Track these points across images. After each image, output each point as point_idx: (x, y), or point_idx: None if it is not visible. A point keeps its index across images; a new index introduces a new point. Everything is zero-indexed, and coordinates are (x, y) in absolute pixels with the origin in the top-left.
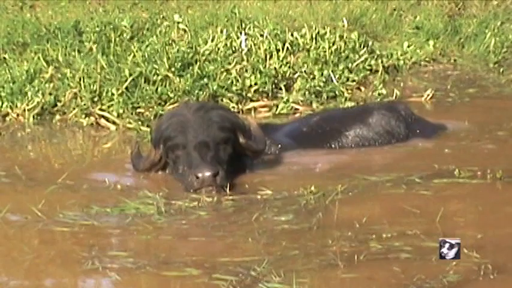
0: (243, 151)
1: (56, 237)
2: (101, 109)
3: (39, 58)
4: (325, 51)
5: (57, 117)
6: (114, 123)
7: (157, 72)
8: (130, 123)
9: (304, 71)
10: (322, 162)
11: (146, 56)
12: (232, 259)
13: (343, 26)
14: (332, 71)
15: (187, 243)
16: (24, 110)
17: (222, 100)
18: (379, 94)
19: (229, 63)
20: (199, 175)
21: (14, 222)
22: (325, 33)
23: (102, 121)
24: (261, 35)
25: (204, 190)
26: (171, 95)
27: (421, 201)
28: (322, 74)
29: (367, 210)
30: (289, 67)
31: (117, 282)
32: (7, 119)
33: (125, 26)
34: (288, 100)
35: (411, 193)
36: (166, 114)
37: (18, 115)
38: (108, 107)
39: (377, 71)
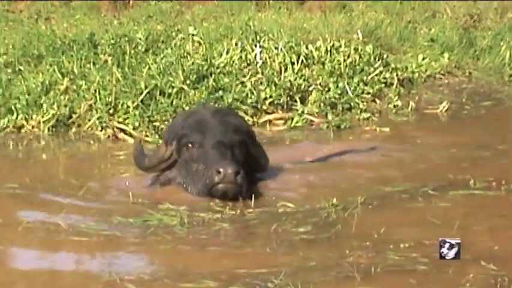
0: (251, 161)
1: (75, 248)
2: (118, 122)
3: (54, 70)
4: (340, 64)
5: (73, 129)
6: (131, 135)
7: (173, 84)
8: (147, 136)
9: (320, 84)
10: (335, 174)
11: (161, 69)
12: (250, 271)
13: (358, 38)
14: (347, 83)
15: (205, 254)
16: (39, 122)
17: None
18: (394, 106)
19: (244, 76)
20: (222, 170)
21: (35, 232)
22: (340, 46)
23: (121, 134)
24: (276, 48)
25: (221, 189)
26: (186, 108)
27: (438, 212)
28: (337, 86)
29: (386, 221)
30: (304, 80)
31: None
32: (22, 130)
33: (140, 39)
34: (303, 112)
35: (428, 204)
36: (182, 113)
37: (33, 127)
38: (124, 119)
39: (392, 83)
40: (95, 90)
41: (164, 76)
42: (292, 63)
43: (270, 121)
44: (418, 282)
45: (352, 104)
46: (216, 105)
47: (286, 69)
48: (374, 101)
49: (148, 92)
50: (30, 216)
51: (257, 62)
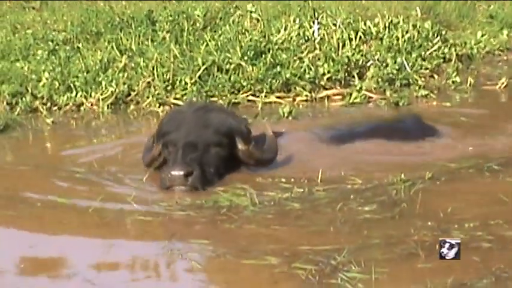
0: (244, 158)
1: (146, 227)
2: (175, 98)
3: (112, 47)
4: (398, 40)
5: (132, 106)
6: None
7: (230, 60)
8: None
9: (377, 59)
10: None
11: (219, 45)
12: (313, 248)
13: (417, 15)
14: (405, 59)
15: (270, 233)
16: (99, 99)
17: (295, 88)
18: (453, 82)
19: (302, 52)
20: (171, 173)
21: (108, 212)
22: (398, 22)
23: None
24: (334, 24)
25: (176, 189)
26: (244, 84)
27: (506, 187)
28: (395, 62)
29: (452, 198)
30: (362, 55)
31: (196, 269)
32: (81, 108)
33: (198, 16)
34: (361, 88)
35: (495, 180)
36: (171, 110)
37: (92, 104)
38: (182, 95)
39: (450, 59)
40: (153, 67)
41: (222, 52)
42: (350, 39)
43: (328, 97)
44: (482, 259)
45: (410, 80)
46: (274, 82)
47: (344, 45)
48: (432, 76)
49: (206, 68)
50: (100, 196)
51: (315, 39)
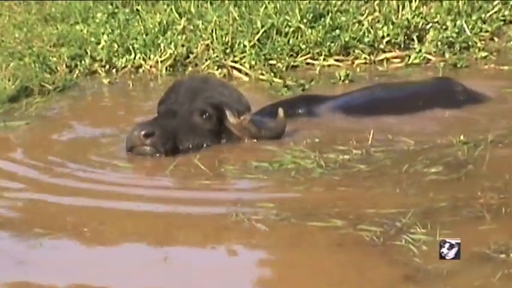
0: (236, 132)
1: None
2: (233, 61)
3: (171, 10)
4: (458, 2)
5: (190, 69)
6: (246, 74)
7: (289, 24)
8: (262, 74)
9: (437, 22)
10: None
11: (278, 8)
12: (378, 211)
13: None
14: (465, 22)
15: (336, 195)
16: (157, 61)
17: (353, 52)
18: None
19: (361, 14)
20: (133, 133)
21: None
22: None
23: (235, 72)
24: None
25: (135, 151)
26: (303, 47)
27: None
28: (455, 25)
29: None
30: (421, 18)
31: (260, 232)
32: (140, 70)
33: None
34: (420, 51)
35: None
36: (173, 82)
37: (151, 67)
38: (241, 58)
39: (511, 21)
40: (212, 30)
41: (281, 15)
42: (410, 1)
43: (387, 59)
44: None
45: (470, 42)
46: (333, 45)
47: (403, 7)
48: (492, 39)
49: (265, 31)
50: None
51: (374, 0)
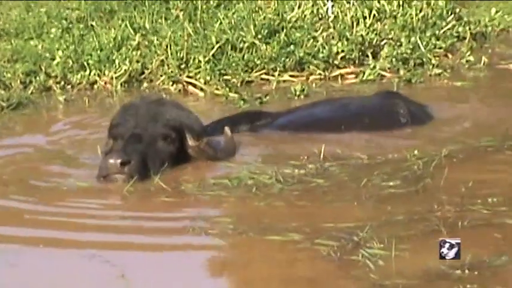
0: (195, 154)
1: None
2: (188, 76)
3: (126, 25)
4: (412, 18)
5: (145, 84)
6: (201, 89)
7: (244, 39)
8: (218, 89)
9: (391, 38)
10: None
11: (233, 23)
12: (336, 225)
13: None
14: (419, 38)
15: (293, 210)
16: (112, 77)
17: (308, 67)
18: (466, 61)
19: (316, 30)
20: (109, 161)
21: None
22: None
23: (190, 88)
24: (348, 2)
25: (110, 179)
26: (258, 62)
27: None
28: (409, 41)
29: (474, 175)
30: (376, 34)
31: (218, 246)
32: (95, 86)
33: None
34: (374, 67)
35: None
36: (123, 104)
37: (106, 83)
38: (196, 74)
39: (465, 38)
40: (167, 46)
41: (236, 31)
42: (364, 18)
43: (341, 75)
44: (504, 236)
45: (424, 59)
46: (288, 60)
47: (358, 24)
48: (446, 55)
49: (220, 47)
50: None
51: (329, 17)
